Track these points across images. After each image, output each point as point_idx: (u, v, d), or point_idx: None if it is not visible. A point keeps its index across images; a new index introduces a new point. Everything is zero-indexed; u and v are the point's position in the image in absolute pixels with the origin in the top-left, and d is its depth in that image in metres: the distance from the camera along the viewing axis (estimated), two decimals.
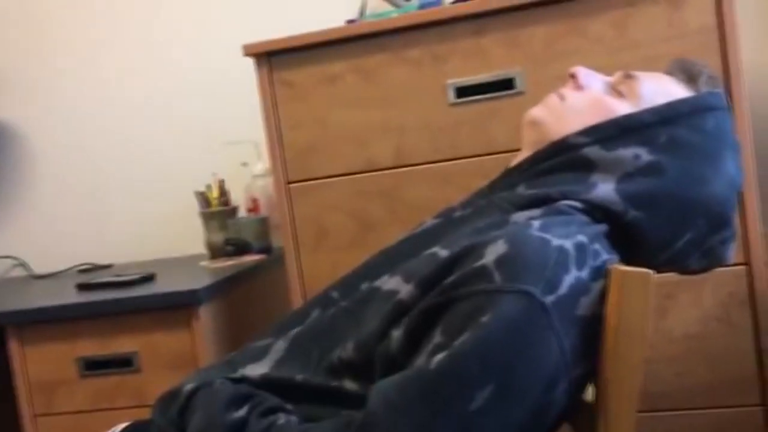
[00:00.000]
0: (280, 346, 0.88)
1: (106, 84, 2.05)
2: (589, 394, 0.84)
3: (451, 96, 1.35)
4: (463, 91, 1.35)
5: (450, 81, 1.35)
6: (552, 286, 0.72)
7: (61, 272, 1.98)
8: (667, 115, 0.87)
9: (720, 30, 1.25)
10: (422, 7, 1.47)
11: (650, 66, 1.27)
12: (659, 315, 1.31)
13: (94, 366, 1.42)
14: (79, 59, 2.06)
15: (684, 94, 0.91)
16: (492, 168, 1.33)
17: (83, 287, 1.57)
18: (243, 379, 0.86)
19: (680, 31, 1.27)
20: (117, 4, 2.02)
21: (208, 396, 0.83)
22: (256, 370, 0.87)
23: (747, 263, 1.28)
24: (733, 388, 1.30)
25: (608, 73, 0.99)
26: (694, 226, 0.87)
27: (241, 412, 0.80)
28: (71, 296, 1.50)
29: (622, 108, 0.90)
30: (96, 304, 1.40)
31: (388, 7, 1.74)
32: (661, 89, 0.91)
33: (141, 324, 1.40)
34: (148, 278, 1.57)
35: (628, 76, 0.93)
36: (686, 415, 1.32)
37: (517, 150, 1.34)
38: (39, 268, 2.10)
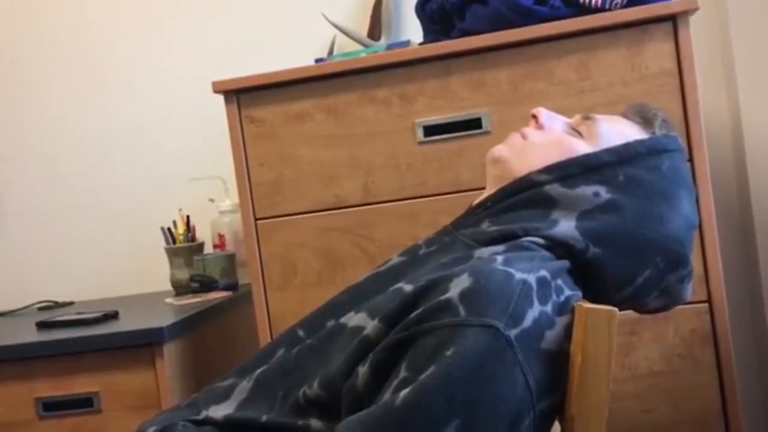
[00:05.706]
0: (244, 387, 0.87)
1: (70, 120, 2.03)
2: (556, 431, 0.84)
3: (420, 135, 1.36)
4: (430, 130, 1.36)
5: (418, 120, 1.36)
6: (516, 320, 0.72)
7: (19, 310, 1.93)
8: (625, 155, 0.90)
9: (679, 74, 1.30)
10: (390, 47, 1.49)
11: (612, 108, 1.30)
12: (623, 352, 1.32)
13: (53, 407, 1.38)
14: (43, 92, 2.04)
15: (640, 135, 0.94)
16: (459, 206, 1.34)
17: (43, 325, 1.53)
18: (206, 421, 0.85)
19: (641, 75, 1.30)
20: (81, 39, 2.02)
21: None
22: (220, 411, 0.85)
23: (708, 301, 1.30)
24: (697, 424, 1.31)
25: (571, 115, 1.01)
26: (652, 263, 0.89)
27: None
28: (30, 335, 1.46)
29: (581, 147, 0.92)
30: (56, 343, 1.37)
31: (356, 47, 1.77)
32: (618, 130, 0.94)
33: (102, 363, 1.37)
34: (111, 316, 1.54)
35: (587, 118, 0.96)
36: None
37: (484, 188, 1.36)
38: None
